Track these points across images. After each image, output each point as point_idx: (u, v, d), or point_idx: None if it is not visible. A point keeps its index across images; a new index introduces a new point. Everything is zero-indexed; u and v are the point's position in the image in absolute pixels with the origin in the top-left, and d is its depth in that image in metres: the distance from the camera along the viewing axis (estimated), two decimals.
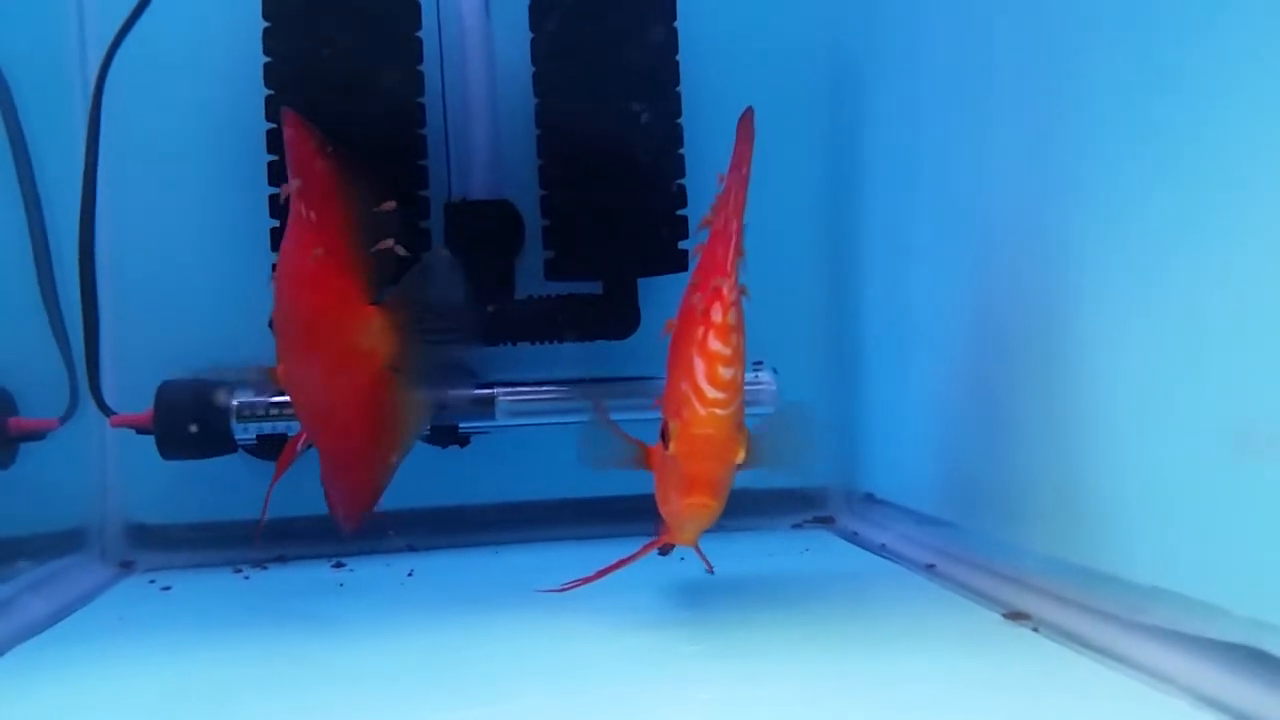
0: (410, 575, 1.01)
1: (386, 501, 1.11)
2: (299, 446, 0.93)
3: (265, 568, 1.08)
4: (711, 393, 0.69)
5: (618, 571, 0.82)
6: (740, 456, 0.70)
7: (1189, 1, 0.61)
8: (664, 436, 0.71)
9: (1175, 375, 0.63)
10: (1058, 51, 0.76)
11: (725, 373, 0.69)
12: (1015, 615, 0.76)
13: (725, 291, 0.70)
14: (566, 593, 0.84)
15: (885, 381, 1.12)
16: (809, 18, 1.22)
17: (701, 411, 0.69)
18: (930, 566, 0.94)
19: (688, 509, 0.70)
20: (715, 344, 0.69)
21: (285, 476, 1.13)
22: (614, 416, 0.92)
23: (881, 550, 1.03)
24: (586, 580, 0.82)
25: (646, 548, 0.81)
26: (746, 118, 0.79)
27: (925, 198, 1.00)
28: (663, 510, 0.75)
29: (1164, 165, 0.64)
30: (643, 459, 0.79)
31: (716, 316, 0.70)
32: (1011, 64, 0.83)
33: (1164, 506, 0.64)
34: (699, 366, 0.69)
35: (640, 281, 1.12)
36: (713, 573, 0.86)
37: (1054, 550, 0.76)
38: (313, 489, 1.15)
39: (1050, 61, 0.77)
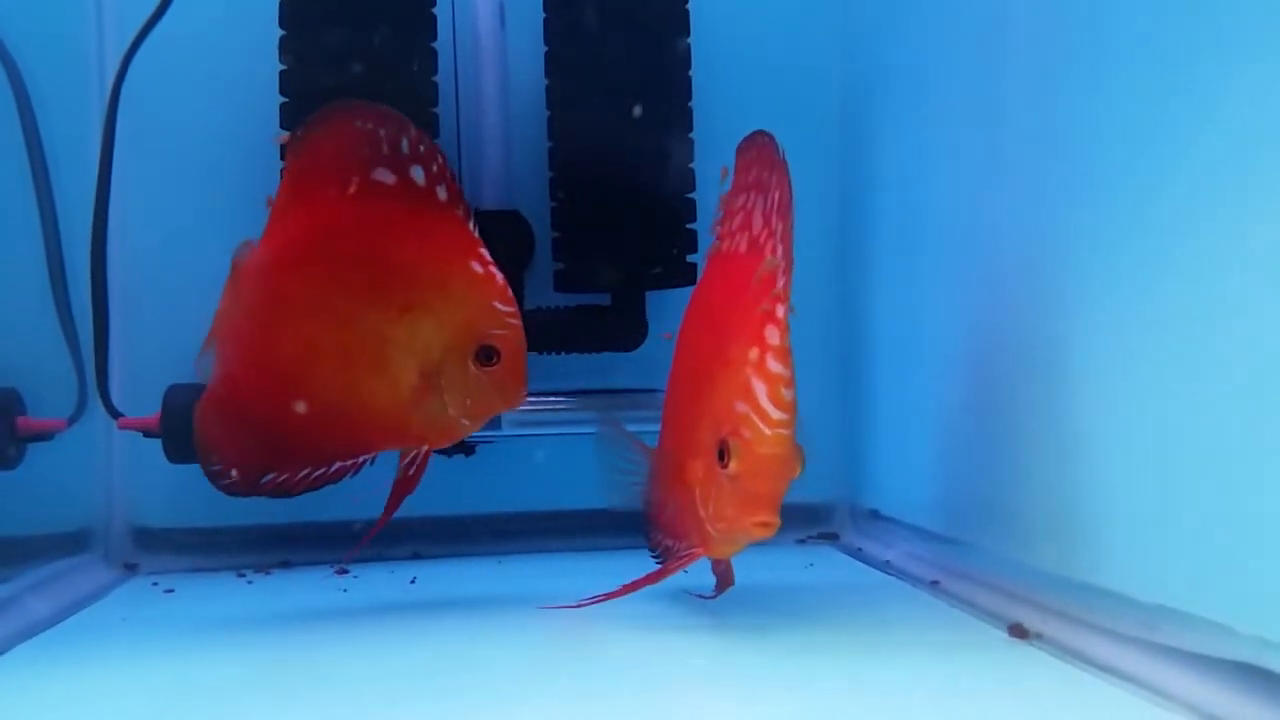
0: (413, 582, 1.01)
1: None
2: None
3: (269, 573, 1.08)
4: (776, 414, 0.70)
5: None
6: (797, 473, 0.72)
7: (1195, 23, 0.61)
8: (723, 455, 0.72)
9: (1176, 392, 0.63)
10: (1067, 69, 0.76)
11: (787, 394, 0.71)
12: (1019, 632, 0.76)
13: (780, 315, 0.71)
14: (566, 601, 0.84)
15: (891, 399, 1.12)
16: (821, 33, 1.23)
17: (767, 432, 0.70)
18: (934, 583, 0.93)
19: (753, 528, 0.71)
20: (775, 366, 0.71)
21: None
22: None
23: (886, 566, 1.03)
24: (608, 596, 0.82)
25: (677, 565, 0.80)
26: (764, 145, 0.79)
27: (933, 217, 1.00)
28: (715, 526, 0.75)
29: (1165, 182, 0.64)
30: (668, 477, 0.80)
31: (774, 339, 0.71)
32: (1021, 83, 0.83)
33: (1168, 524, 0.64)
34: (760, 388, 0.71)
35: (649, 294, 1.12)
36: (716, 597, 0.86)
37: (1058, 567, 0.76)
38: (317, 495, 1.16)
39: (1059, 79, 0.77)
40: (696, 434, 0.77)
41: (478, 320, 0.83)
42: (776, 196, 0.76)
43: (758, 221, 0.78)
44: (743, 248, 0.79)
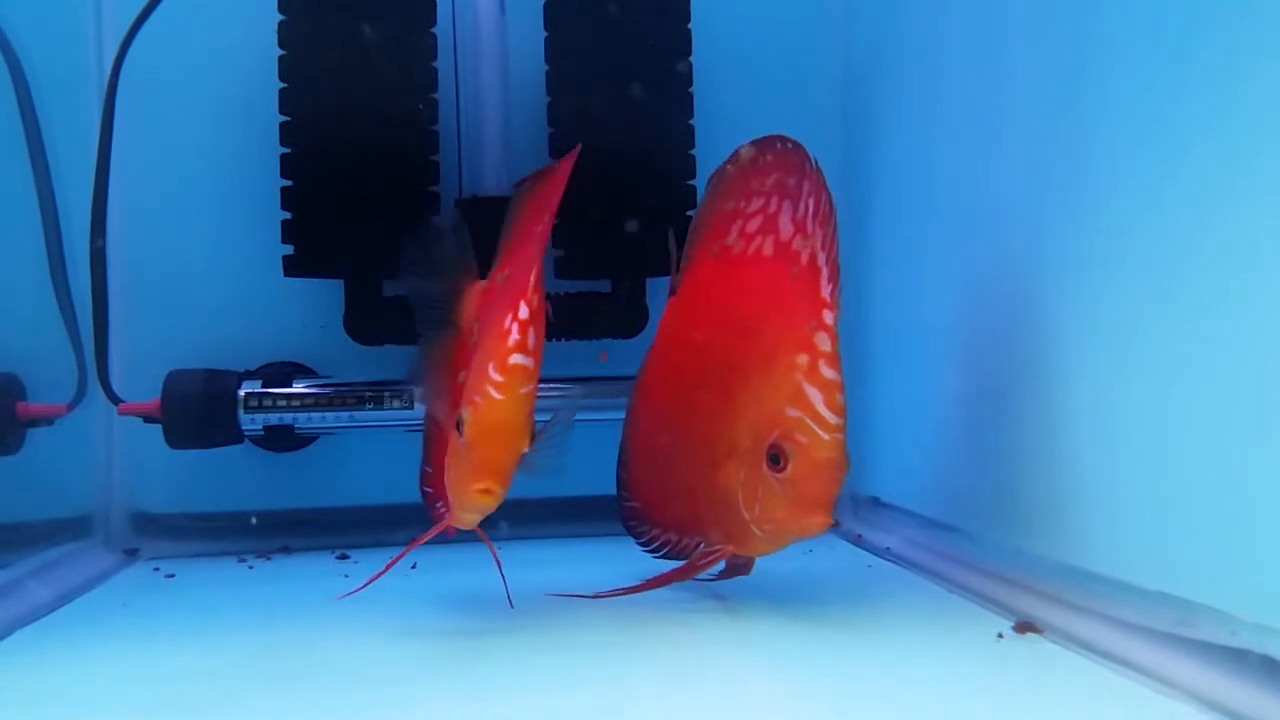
0: (414, 568, 1.01)
1: (389, 495, 1.12)
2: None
3: (269, 558, 1.08)
4: (832, 419, 0.72)
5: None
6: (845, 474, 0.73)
7: (1201, 9, 0.61)
8: (778, 459, 0.73)
9: (1178, 379, 0.63)
10: (1069, 60, 0.76)
11: (840, 400, 0.72)
12: (1021, 620, 0.76)
13: (830, 321, 0.72)
14: (569, 588, 0.84)
15: (891, 386, 1.12)
16: (822, 20, 1.22)
17: (825, 437, 0.72)
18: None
19: (812, 527, 0.73)
20: (829, 372, 0.72)
21: (290, 468, 1.14)
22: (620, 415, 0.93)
23: (886, 554, 1.03)
24: (629, 591, 0.82)
25: (707, 561, 0.81)
26: (787, 151, 0.79)
27: (932, 208, 1.00)
28: (763, 527, 0.76)
29: (1172, 174, 0.64)
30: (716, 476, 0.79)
31: (825, 345, 0.72)
32: (1021, 77, 0.83)
33: (1170, 511, 0.64)
34: (814, 394, 0.72)
35: (648, 281, 1.12)
36: (718, 580, 0.86)
37: (1059, 555, 0.76)
38: (317, 481, 1.16)
39: (1061, 72, 0.77)
40: (730, 436, 0.77)
41: (471, 384, 0.72)
42: (811, 204, 0.76)
43: (785, 226, 0.78)
44: (767, 251, 0.79)
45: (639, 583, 0.82)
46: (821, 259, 0.74)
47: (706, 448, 0.79)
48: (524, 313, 0.70)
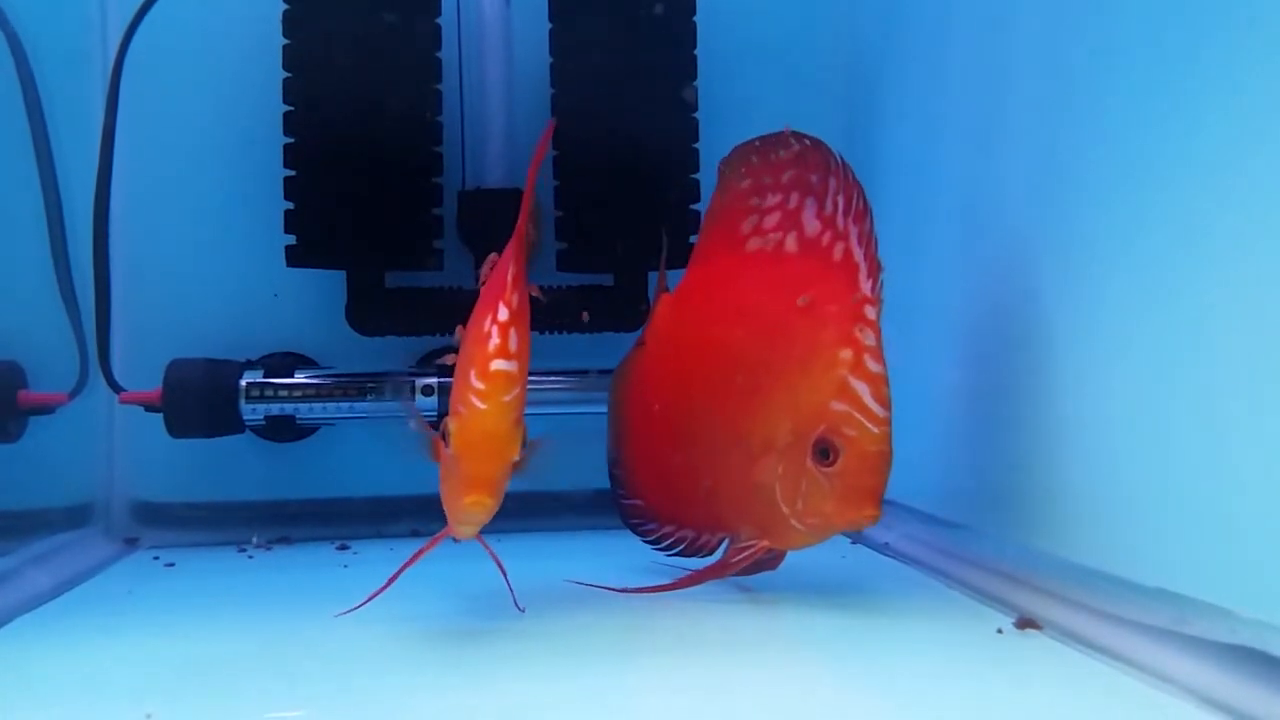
0: None
1: (390, 487, 1.12)
2: None
3: (269, 548, 1.08)
4: (881, 412, 0.72)
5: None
6: None
7: (1205, 14, 0.61)
8: (829, 453, 0.73)
9: (1177, 377, 0.63)
10: (1073, 57, 0.75)
11: (887, 392, 0.73)
12: (1020, 616, 0.76)
13: (872, 316, 0.73)
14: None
15: (892, 381, 1.12)
16: (826, 14, 1.22)
17: (875, 430, 0.72)
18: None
19: (863, 520, 0.74)
20: (875, 366, 0.73)
21: (292, 459, 1.15)
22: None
23: (885, 549, 1.03)
24: (664, 588, 0.82)
25: (744, 557, 0.81)
26: (808, 148, 0.79)
27: (934, 205, 1.00)
28: (806, 521, 0.76)
29: (1172, 173, 0.64)
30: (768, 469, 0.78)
31: (869, 340, 0.73)
32: (1028, 78, 0.82)
33: (1168, 507, 0.64)
34: (862, 388, 0.73)
35: (651, 274, 1.12)
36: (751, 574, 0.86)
37: (1058, 551, 0.76)
38: (318, 471, 1.16)
39: (1065, 68, 0.77)
40: (764, 432, 0.77)
41: (454, 393, 0.70)
42: (841, 200, 0.77)
43: (811, 223, 0.78)
44: (790, 248, 0.79)
45: (673, 580, 0.82)
46: (859, 254, 0.75)
47: (735, 443, 0.79)
48: (503, 314, 0.67)
